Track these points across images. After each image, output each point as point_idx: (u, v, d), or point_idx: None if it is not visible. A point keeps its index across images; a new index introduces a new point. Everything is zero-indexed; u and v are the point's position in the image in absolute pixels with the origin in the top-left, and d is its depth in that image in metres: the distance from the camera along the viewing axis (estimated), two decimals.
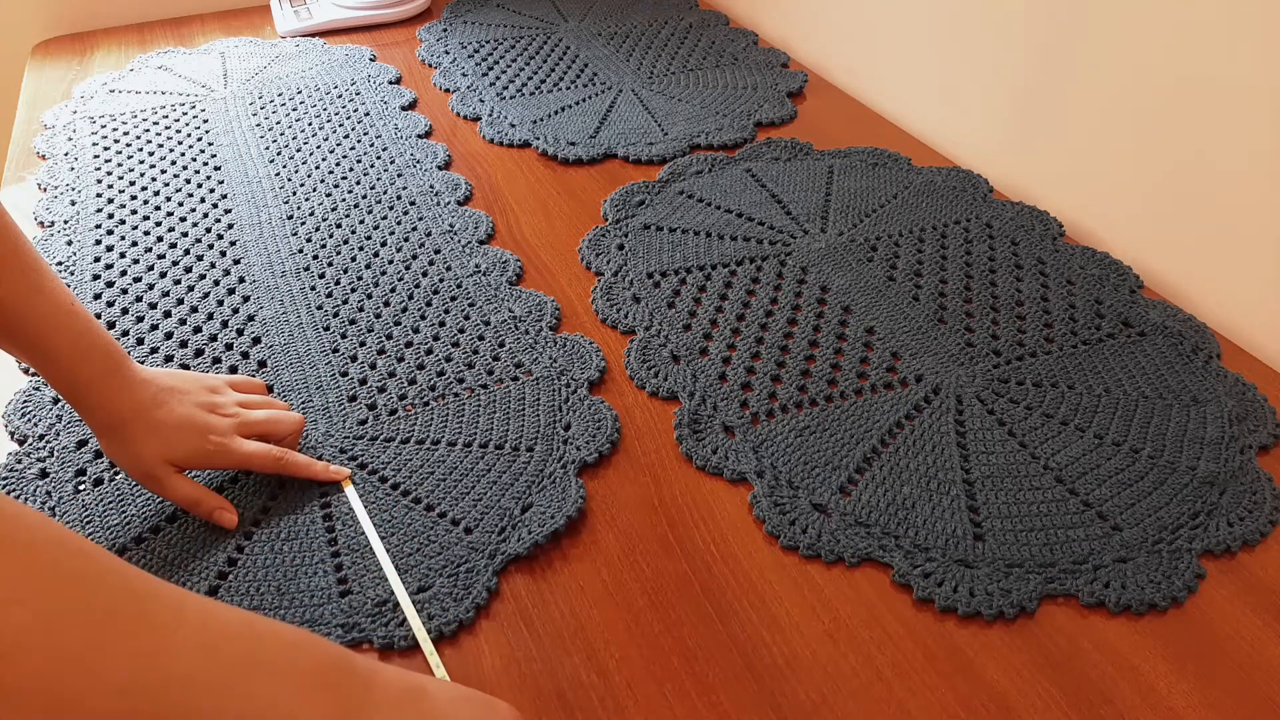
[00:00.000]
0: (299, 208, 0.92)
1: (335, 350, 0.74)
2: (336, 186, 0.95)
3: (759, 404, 0.69)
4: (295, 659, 0.37)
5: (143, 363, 0.72)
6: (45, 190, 0.94)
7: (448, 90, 1.16)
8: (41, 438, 0.65)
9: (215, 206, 0.92)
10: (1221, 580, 0.57)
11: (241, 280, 0.82)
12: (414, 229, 0.89)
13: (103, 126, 1.06)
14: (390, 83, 1.17)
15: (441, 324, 0.76)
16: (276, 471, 0.61)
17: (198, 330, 0.76)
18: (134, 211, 0.91)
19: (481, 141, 1.05)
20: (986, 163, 0.99)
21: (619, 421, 0.67)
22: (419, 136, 1.05)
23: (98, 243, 0.86)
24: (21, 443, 0.65)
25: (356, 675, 0.39)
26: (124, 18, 1.34)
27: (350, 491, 0.61)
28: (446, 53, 1.25)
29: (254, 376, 0.71)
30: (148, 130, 1.05)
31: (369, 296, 0.80)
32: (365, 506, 0.60)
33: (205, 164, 0.99)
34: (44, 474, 0.63)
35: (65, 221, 0.89)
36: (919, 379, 0.71)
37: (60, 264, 0.83)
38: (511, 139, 1.04)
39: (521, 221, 0.91)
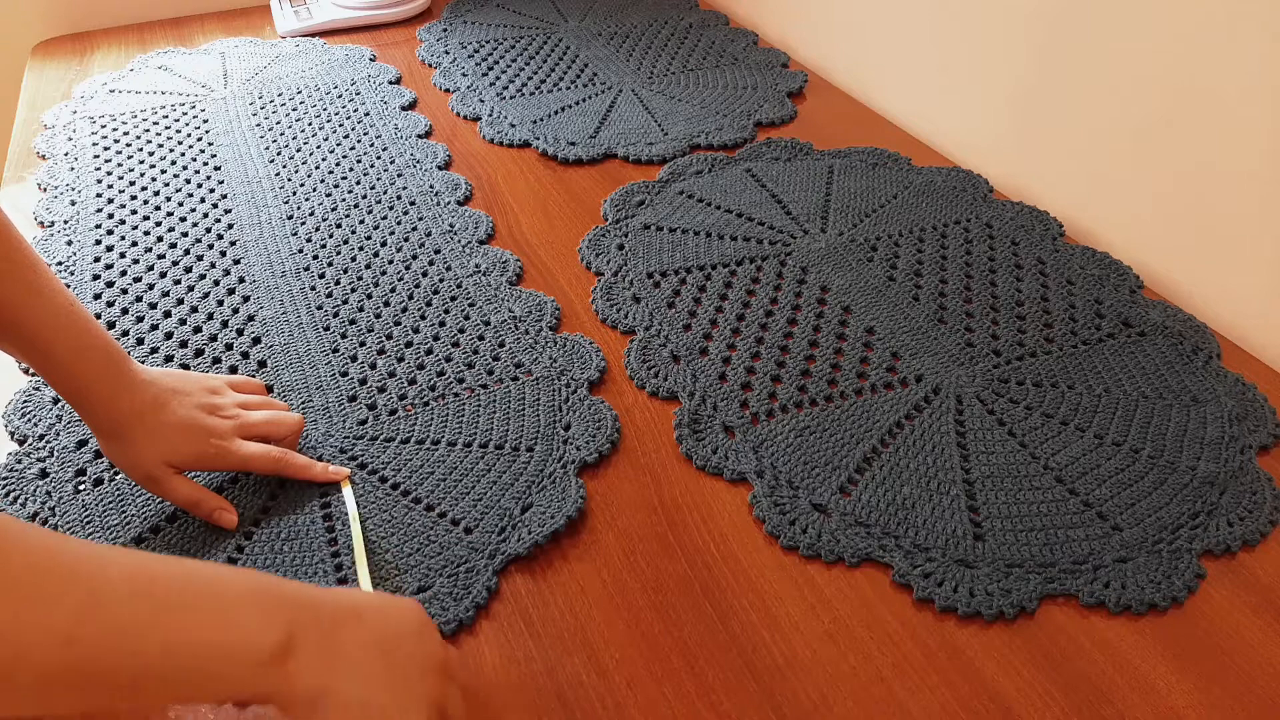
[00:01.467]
0: (299, 208, 0.92)
1: (335, 350, 0.74)
2: (336, 186, 0.95)
3: (759, 404, 0.69)
4: (225, 589, 0.40)
5: (143, 363, 0.72)
6: (45, 190, 0.94)
7: (448, 90, 1.16)
8: (41, 438, 0.65)
9: (215, 206, 0.92)
10: (1221, 580, 0.57)
11: (241, 280, 0.82)
12: (414, 229, 0.89)
13: (103, 126, 1.06)
14: (390, 83, 1.17)
15: (441, 324, 0.76)
16: (276, 473, 0.61)
17: (198, 330, 0.76)
18: (134, 211, 0.91)
19: (481, 141, 1.05)
20: (986, 163, 0.99)
21: (619, 421, 0.67)
22: (419, 136, 1.05)
23: (98, 243, 0.86)
24: (21, 443, 0.65)
25: (289, 598, 0.41)
26: (124, 18, 1.34)
27: (347, 490, 0.61)
28: (446, 53, 1.25)
29: (254, 377, 0.71)
30: (148, 130, 1.05)
31: (369, 296, 0.80)
32: (364, 506, 0.60)
33: (205, 164, 0.99)
34: (44, 474, 0.63)
35: (65, 221, 0.89)
36: (919, 379, 0.71)
37: (60, 264, 0.83)
38: (511, 139, 1.04)
39: (521, 221, 0.91)
